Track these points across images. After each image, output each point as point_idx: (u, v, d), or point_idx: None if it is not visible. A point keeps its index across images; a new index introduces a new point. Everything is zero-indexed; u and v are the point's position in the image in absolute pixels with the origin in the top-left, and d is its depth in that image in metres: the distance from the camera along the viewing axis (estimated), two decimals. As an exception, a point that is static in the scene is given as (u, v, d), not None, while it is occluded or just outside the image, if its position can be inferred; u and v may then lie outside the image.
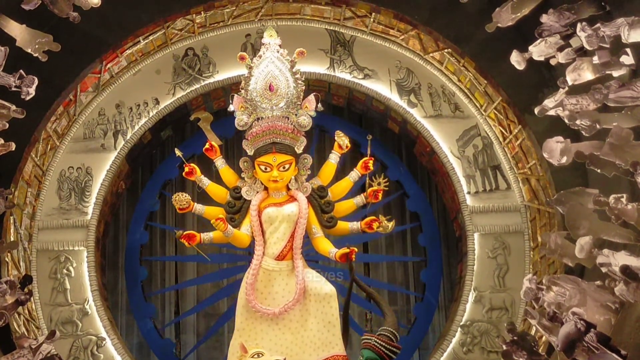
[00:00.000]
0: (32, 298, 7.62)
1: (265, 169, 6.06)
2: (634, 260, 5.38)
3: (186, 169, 6.23)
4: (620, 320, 5.74)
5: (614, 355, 4.81)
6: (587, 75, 6.18)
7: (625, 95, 5.82)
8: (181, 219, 9.12)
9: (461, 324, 8.14)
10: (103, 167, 8.35)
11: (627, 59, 5.88)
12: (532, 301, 6.38)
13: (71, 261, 8.16)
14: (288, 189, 6.19)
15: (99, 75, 8.40)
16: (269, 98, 6.08)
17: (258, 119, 6.12)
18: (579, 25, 6.06)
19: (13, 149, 6.71)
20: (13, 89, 6.58)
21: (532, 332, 7.29)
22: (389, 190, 8.87)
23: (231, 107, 6.22)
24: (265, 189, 6.20)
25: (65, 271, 8.14)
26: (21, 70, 6.57)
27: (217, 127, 7.00)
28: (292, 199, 6.15)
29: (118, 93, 8.46)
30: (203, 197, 6.54)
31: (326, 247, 6.04)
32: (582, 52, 6.29)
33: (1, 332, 7.23)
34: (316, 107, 6.19)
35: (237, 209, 6.17)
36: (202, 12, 8.44)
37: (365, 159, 6.21)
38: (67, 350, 7.94)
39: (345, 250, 5.76)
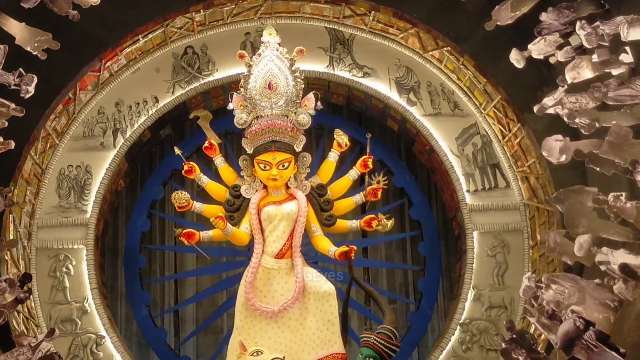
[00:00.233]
0: (31, 296, 7.60)
1: (265, 167, 6.07)
2: (633, 258, 5.37)
3: (185, 167, 6.24)
4: (619, 318, 5.74)
5: (613, 353, 4.82)
6: (587, 73, 6.18)
7: (625, 93, 5.81)
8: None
9: (460, 322, 8.13)
10: (102, 166, 8.34)
11: (627, 57, 5.87)
12: (531, 299, 6.37)
13: (70, 259, 8.16)
14: (287, 187, 6.21)
15: (98, 74, 8.40)
16: (268, 96, 6.08)
17: (257, 117, 6.13)
18: (578, 24, 6.05)
19: (12, 147, 6.71)
20: (12, 87, 6.58)
21: (531, 330, 7.30)
22: (389, 192, 9.00)
23: (230, 106, 6.23)
24: (265, 187, 6.21)
25: (64, 269, 8.13)
26: (20, 69, 6.57)
27: (216, 125, 7.01)
28: (292, 197, 6.16)
29: (117, 91, 8.44)
30: (202, 194, 6.54)
31: (325, 246, 6.05)
32: (581, 50, 6.29)
33: (1, 330, 7.21)
34: (315, 105, 6.20)
35: (236, 207, 6.18)
36: (201, 11, 8.43)
37: (364, 157, 6.22)
38: (66, 349, 7.93)
39: (344, 248, 5.78)
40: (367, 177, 6.23)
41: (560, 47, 6.48)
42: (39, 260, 8.13)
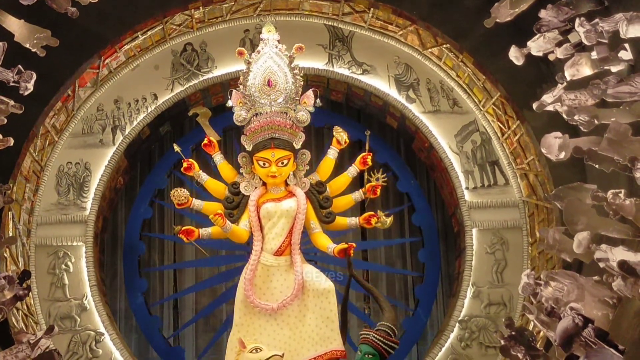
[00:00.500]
0: (30, 293, 7.62)
1: (264, 164, 6.07)
2: (632, 255, 5.36)
3: (184, 165, 6.23)
4: (618, 316, 5.74)
5: (612, 350, 4.82)
6: (586, 70, 6.16)
7: (624, 90, 5.80)
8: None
9: (459, 319, 8.14)
10: (101, 163, 8.35)
11: (626, 54, 5.86)
12: (530, 296, 6.36)
13: (70, 256, 8.17)
14: (286, 184, 6.20)
15: (97, 71, 8.39)
16: (268, 93, 6.07)
17: (256, 114, 6.12)
18: (577, 21, 6.04)
19: (11, 145, 6.69)
20: (11, 84, 6.55)
21: (530, 327, 7.29)
22: (390, 196, 8.99)
23: (229, 103, 6.22)
24: (264, 184, 6.21)
25: (63, 266, 8.14)
26: (19, 66, 6.55)
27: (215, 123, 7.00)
28: (291, 194, 6.16)
29: (116, 88, 8.44)
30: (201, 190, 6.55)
31: (324, 243, 6.05)
32: (580, 47, 6.27)
33: (0, 327, 7.22)
34: (315, 102, 6.20)
35: (235, 205, 6.18)
36: (200, 8, 8.43)
37: (363, 154, 6.22)
38: (65, 346, 7.94)
39: (343, 245, 5.78)
40: (366, 174, 6.23)
41: (559, 44, 6.46)
42: (38, 258, 8.14)
